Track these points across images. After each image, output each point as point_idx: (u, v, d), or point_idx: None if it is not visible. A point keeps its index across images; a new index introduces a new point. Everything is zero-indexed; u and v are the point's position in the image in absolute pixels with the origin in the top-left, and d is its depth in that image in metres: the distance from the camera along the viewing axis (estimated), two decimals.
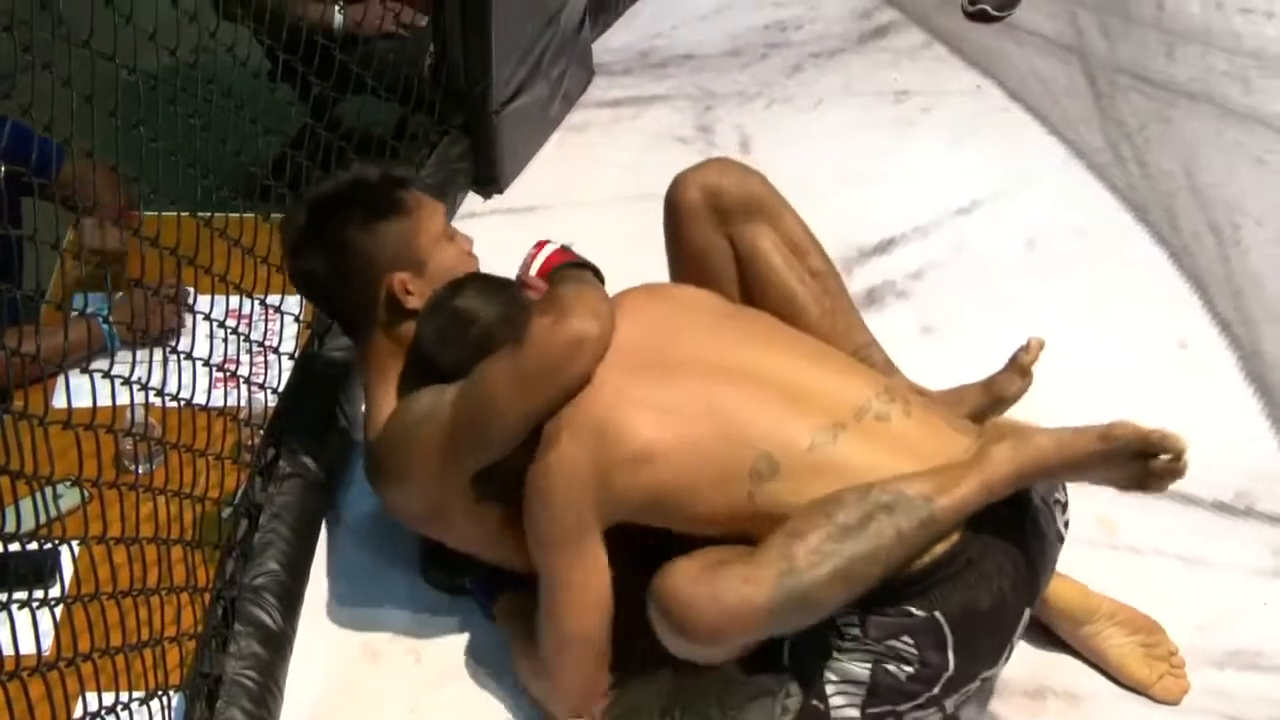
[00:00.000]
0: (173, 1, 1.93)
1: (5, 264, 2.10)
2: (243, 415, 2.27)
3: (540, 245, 2.10)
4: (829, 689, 1.77)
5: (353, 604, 2.15)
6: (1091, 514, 2.24)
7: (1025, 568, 1.80)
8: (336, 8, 2.89)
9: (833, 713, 1.77)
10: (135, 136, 1.95)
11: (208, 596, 2.03)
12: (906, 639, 1.74)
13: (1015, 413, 2.30)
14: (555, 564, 1.82)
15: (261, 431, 2.28)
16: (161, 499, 1.97)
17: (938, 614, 1.74)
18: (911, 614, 1.74)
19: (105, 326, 2.28)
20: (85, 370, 1.76)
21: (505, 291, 2.00)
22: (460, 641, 2.10)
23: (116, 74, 1.84)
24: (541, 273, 2.05)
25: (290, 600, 2.09)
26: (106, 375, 1.81)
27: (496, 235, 2.35)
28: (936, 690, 1.77)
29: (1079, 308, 2.63)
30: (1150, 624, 2.03)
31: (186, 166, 2.11)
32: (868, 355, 2.12)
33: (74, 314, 2.17)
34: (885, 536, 1.70)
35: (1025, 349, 2.08)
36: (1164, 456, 1.69)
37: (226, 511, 2.16)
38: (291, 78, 2.64)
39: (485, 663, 2.07)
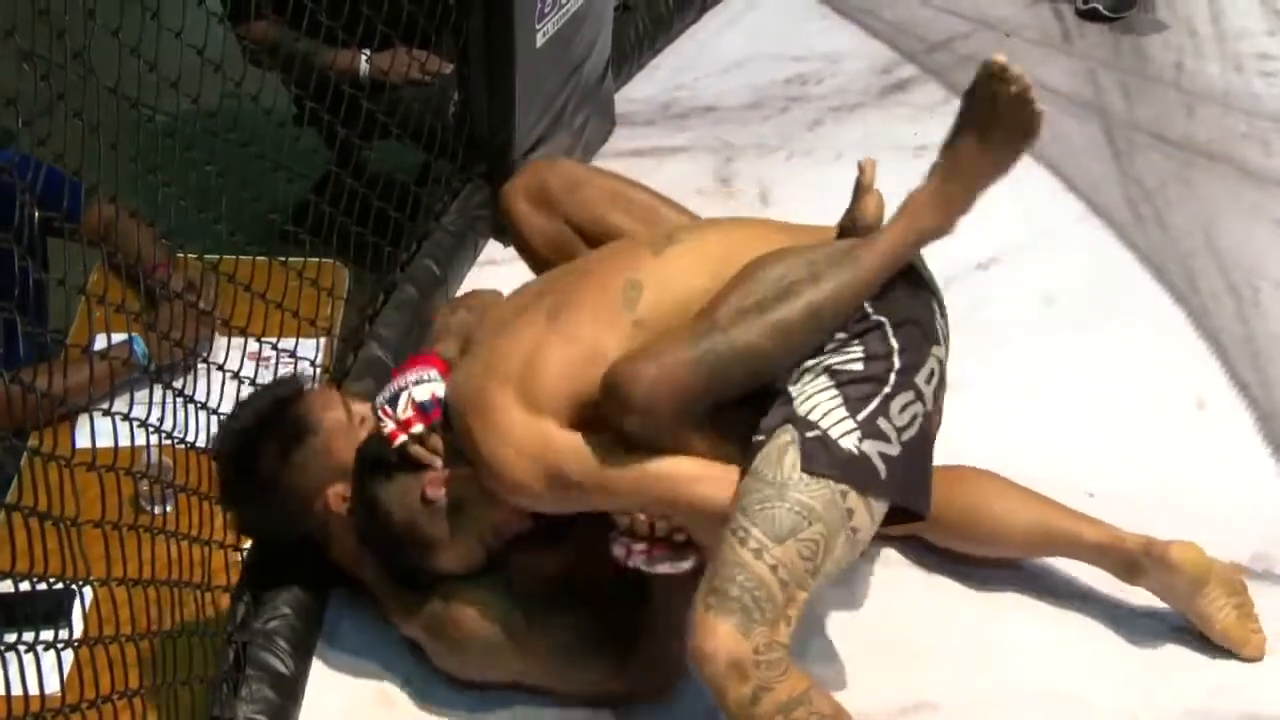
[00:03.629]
0: (198, 51, 1.95)
1: (34, 304, 2.12)
2: None
3: (403, 370, 2.01)
4: (812, 414, 1.78)
5: (364, 650, 2.14)
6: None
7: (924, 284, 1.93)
8: (363, 56, 2.93)
9: (829, 431, 1.77)
10: (159, 181, 1.98)
11: (220, 640, 2.03)
12: (850, 342, 1.81)
13: (1030, 468, 2.30)
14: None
15: None
16: (174, 541, 1.98)
17: (868, 312, 1.82)
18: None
19: (136, 344, 2.29)
20: (108, 413, 1.78)
21: (390, 465, 1.94)
22: (473, 690, 2.09)
23: (139, 120, 1.87)
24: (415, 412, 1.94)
25: (301, 645, 2.09)
26: (126, 418, 1.83)
27: (516, 282, 2.35)
28: (898, 364, 1.81)
29: (1096, 366, 2.63)
30: (1241, 584, 2.11)
31: (212, 212, 2.14)
32: None
33: (96, 350, 2.18)
34: (809, 294, 1.78)
35: (860, 171, 2.01)
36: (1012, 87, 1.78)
37: (238, 555, 2.17)
38: (317, 124, 2.67)
39: (498, 710, 2.06)
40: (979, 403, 2.49)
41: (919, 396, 1.83)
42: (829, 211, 3.03)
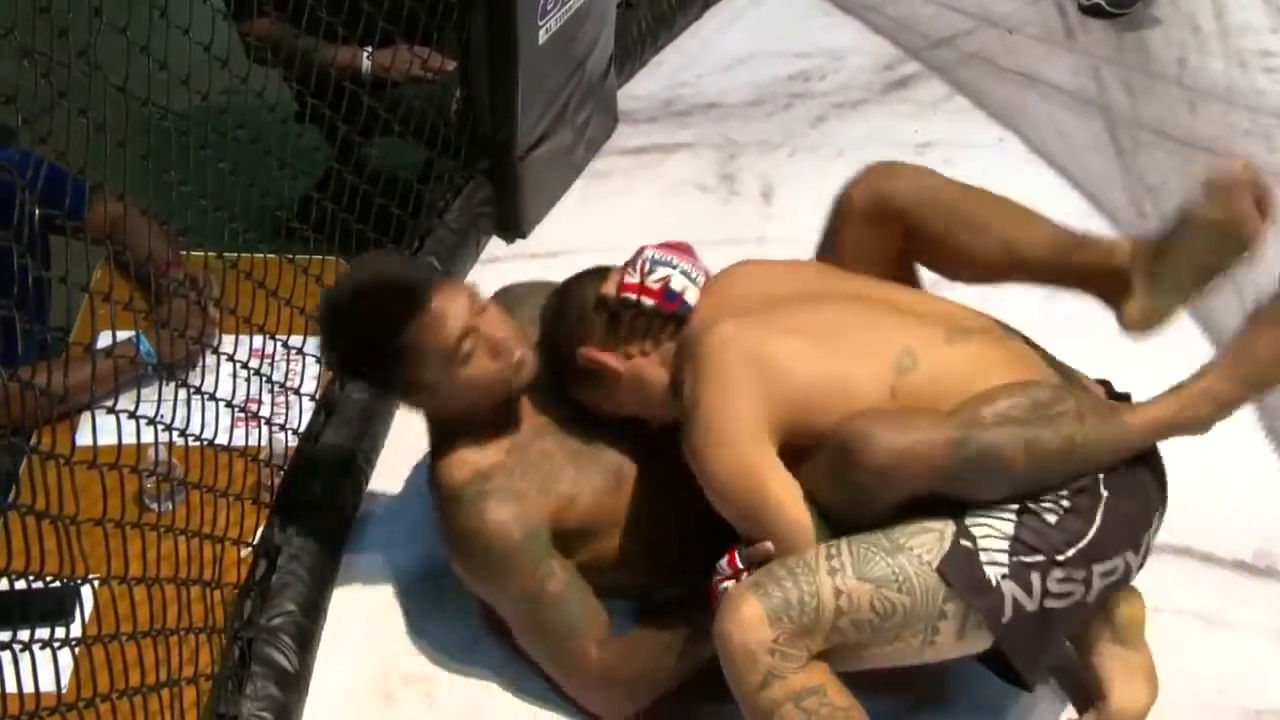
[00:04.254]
0: (205, 47, 1.96)
1: (35, 302, 2.12)
2: (263, 455, 2.27)
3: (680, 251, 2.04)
4: (977, 530, 1.78)
5: (368, 647, 2.15)
6: None
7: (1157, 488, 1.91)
8: (365, 53, 2.92)
9: (981, 554, 1.76)
10: (164, 178, 1.98)
11: (224, 637, 2.04)
12: (1060, 495, 1.80)
13: None
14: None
15: (281, 472, 2.29)
16: (180, 538, 1.98)
17: (1099, 479, 1.81)
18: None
19: (141, 342, 2.30)
20: (111, 410, 1.78)
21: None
22: (475, 685, 2.09)
23: (150, 118, 1.87)
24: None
25: (306, 642, 2.09)
26: (132, 415, 1.83)
27: (519, 279, 2.36)
28: (1080, 546, 1.78)
29: (1098, 365, 2.61)
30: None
31: (215, 209, 2.14)
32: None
33: (100, 348, 2.19)
34: (1071, 429, 1.78)
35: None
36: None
37: (245, 552, 2.17)
38: (319, 121, 2.67)
39: (500, 706, 2.06)
40: None
41: (1087, 585, 1.81)
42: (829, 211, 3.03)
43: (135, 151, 1.82)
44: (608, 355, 1.98)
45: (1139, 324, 1.91)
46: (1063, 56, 3.52)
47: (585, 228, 2.99)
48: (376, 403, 2.44)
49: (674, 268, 1.97)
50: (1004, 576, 1.76)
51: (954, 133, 3.25)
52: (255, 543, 2.18)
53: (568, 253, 2.90)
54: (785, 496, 1.81)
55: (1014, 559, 1.76)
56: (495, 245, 2.96)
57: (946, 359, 1.84)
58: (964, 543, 1.76)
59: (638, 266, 1.97)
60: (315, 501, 2.24)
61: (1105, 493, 1.81)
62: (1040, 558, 1.77)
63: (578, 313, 2.02)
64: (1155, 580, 2.22)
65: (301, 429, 2.38)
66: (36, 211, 1.57)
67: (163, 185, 2.04)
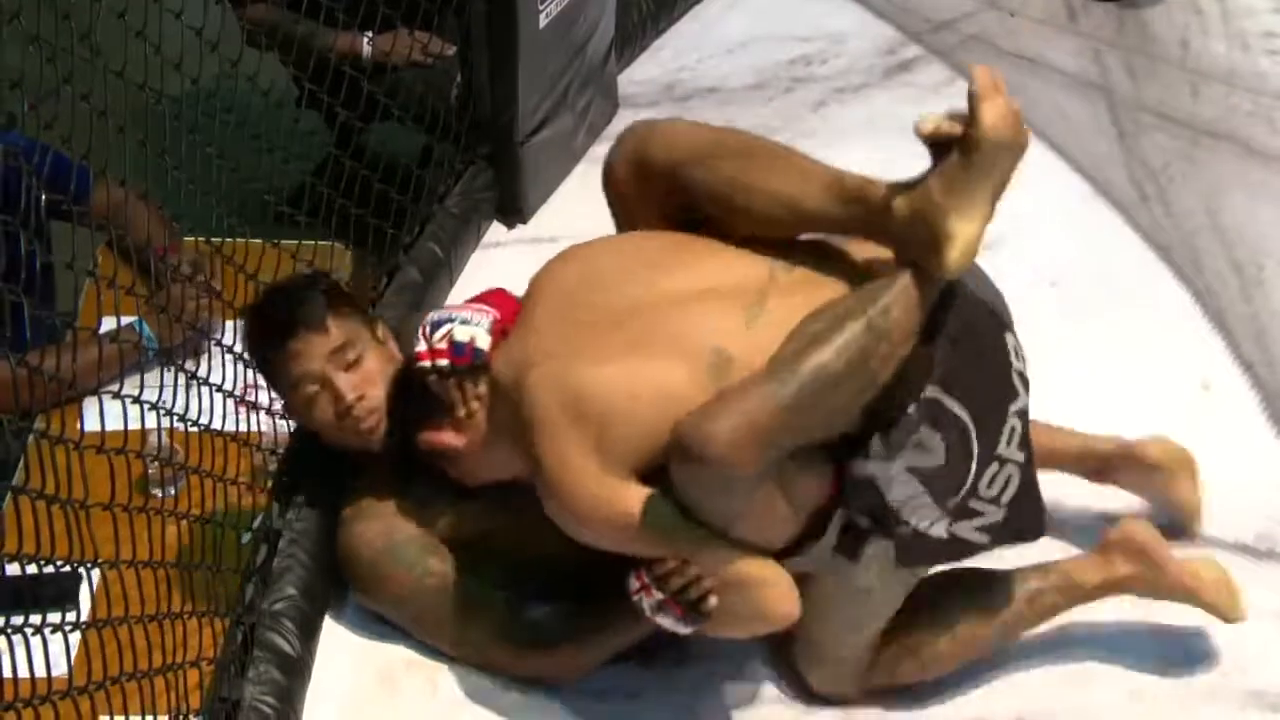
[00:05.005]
0: (197, 31, 1.95)
1: (42, 288, 2.12)
2: (263, 441, 2.27)
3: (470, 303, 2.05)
4: (902, 512, 1.80)
5: (370, 631, 2.15)
6: None
7: (980, 302, 1.87)
8: (365, 37, 2.92)
9: (918, 526, 1.81)
10: (162, 164, 1.97)
11: (227, 621, 2.04)
12: (921, 431, 1.79)
13: None
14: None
15: (281, 458, 2.29)
16: (183, 523, 1.98)
17: (927, 392, 1.79)
18: (907, 410, 1.79)
19: (143, 328, 2.30)
20: (117, 395, 1.78)
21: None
22: (477, 671, 2.10)
23: (146, 103, 1.87)
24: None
25: (308, 626, 2.10)
26: (136, 400, 1.83)
27: (519, 265, 2.34)
28: (977, 447, 1.81)
29: (1101, 348, 2.63)
30: None
31: (213, 195, 2.13)
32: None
33: (103, 332, 2.19)
34: (864, 310, 1.74)
35: (973, 79, 1.75)
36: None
37: (246, 537, 2.17)
38: (318, 105, 2.66)
39: (502, 693, 2.07)
40: None
41: (1003, 461, 1.85)
42: None
43: (134, 137, 1.82)
44: (444, 434, 1.96)
45: (963, 261, 1.78)
46: (1064, 39, 3.51)
47: (586, 213, 2.95)
48: None
49: (452, 321, 1.95)
50: (950, 525, 1.84)
51: None
52: (256, 528, 2.18)
53: (568, 238, 2.87)
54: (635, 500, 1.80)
55: (947, 506, 1.83)
56: (496, 230, 2.95)
57: (754, 341, 1.79)
58: (901, 530, 1.82)
59: (421, 334, 1.96)
60: (315, 487, 2.24)
61: (954, 403, 1.81)
62: (964, 489, 1.83)
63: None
64: None
65: None
66: (43, 197, 1.57)
67: (161, 171, 2.04)
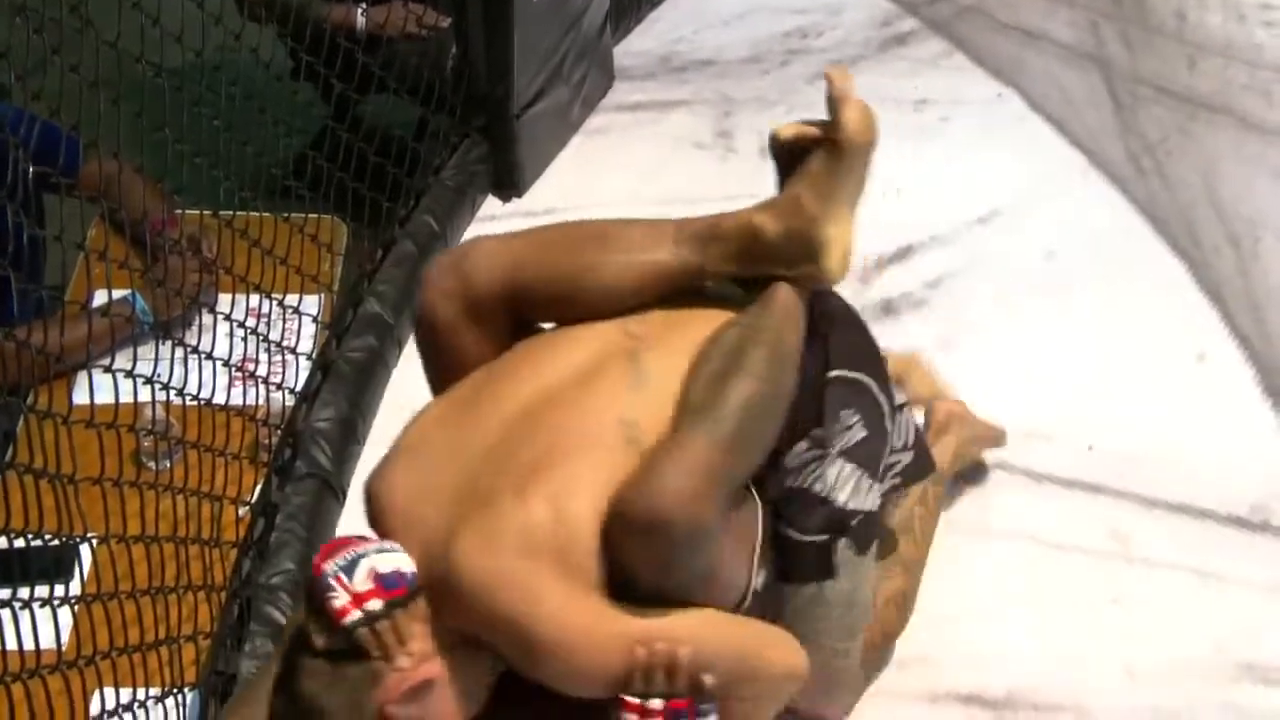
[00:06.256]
0: (198, 4, 1.94)
1: (30, 260, 2.12)
2: (260, 415, 2.27)
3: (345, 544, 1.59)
4: (849, 503, 1.77)
5: None
6: (1105, 527, 2.24)
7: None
8: (360, 9, 2.90)
9: (863, 507, 1.79)
10: (158, 136, 1.96)
11: (223, 595, 2.04)
12: (841, 415, 1.77)
13: (1030, 421, 2.31)
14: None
15: (279, 431, 2.29)
16: (179, 497, 1.98)
17: (830, 375, 1.78)
18: (824, 401, 1.77)
19: (137, 301, 2.29)
20: (108, 370, 1.78)
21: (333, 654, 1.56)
22: None
23: (143, 74, 1.86)
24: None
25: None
26: (129, 375, 1.83)
27: None
28: (885, 407, 1.82)
29: (1097, 320, 2.63)
30: None
31: (210, 167, 2.13)
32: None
33: (95, 307, 2.18)
34: (759, 331, 1.68)
35: (829, 81, 1.76)
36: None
37: (243, 511, 2.18)
38: (313, 78, 2.65)
39: None
40: (979, 357, 2.50)
41: (900, 407, 1.87)
42: None
43: (129, 109, 1.81)
44: (396, 693, 1.54)
45: (846, 264, 1.74)
46: (1061, 11, 3.49)
47: (582, 185, 2.98)
48: (373, 363, 2.44)
49: (363, 555, 1.55)
50: (880, 486, 1.83)
51: (952, 89, 3.23)
52: (253, 502, 2.19)
53: (564, 210, 2.89)
54: (645, 623, 1.59)
55: (878, 473, 1.82)
56: (491, 204, 2.95)
57: (650, 401, 1.65)
58: (855, 523, 1.79)
59: (333, 584, 1.52)
60: (312, 461, 2.24)
61: (858, 373, 1.80)
62: (885, 452, 1.84)
63: (348, 690, 1.54)
64: (1150, 536, 2.24)
65: (298, 388, 2.38)
66: (30, 169, 1.56)
67: (156, 143, 2.03)
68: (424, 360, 1.84)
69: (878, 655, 2.02)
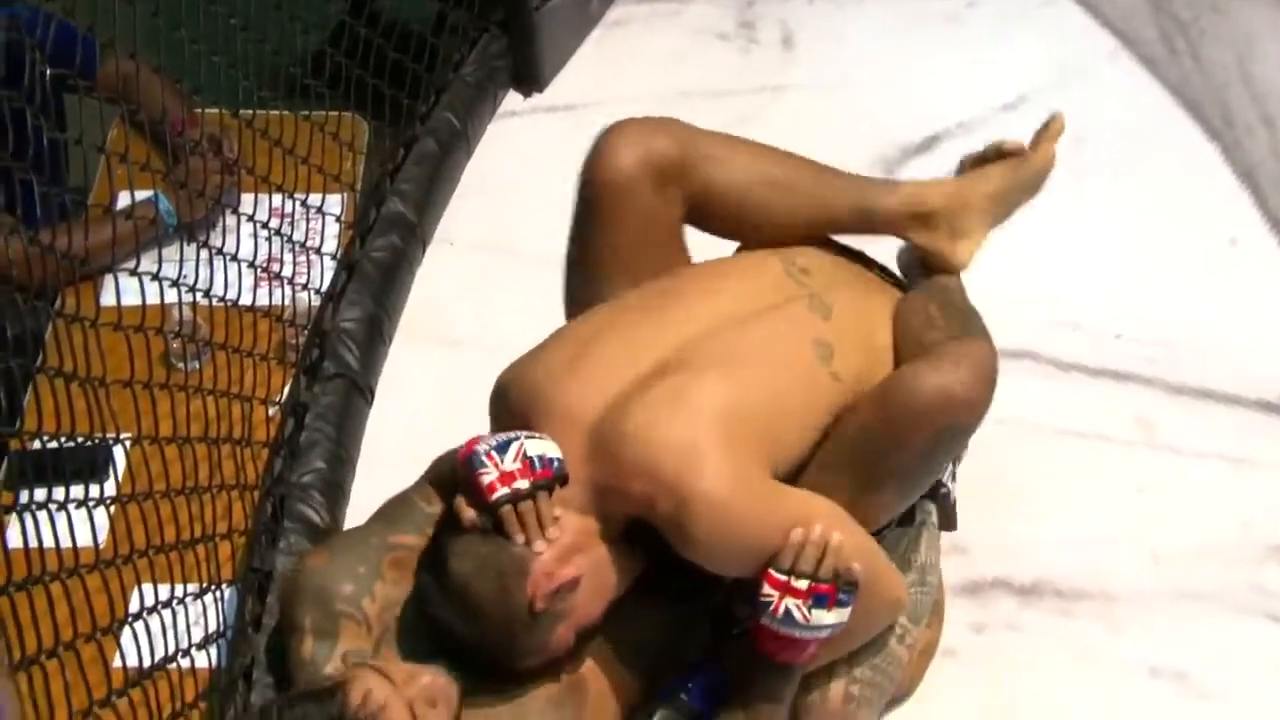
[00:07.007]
0: None
1: (51, 163, 2.11)
2: (287, 315, 2.28)
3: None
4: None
5: None
6: (1130, 414, 2.24)
7: None
8: None
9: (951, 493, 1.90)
10: (175, 35, 1.95)
11: (256, 494, 2.07)
12: None
13: (1058, 310, 2.29)
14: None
15: (305, 332, 2.30)
16: (209, 398, 2.00)
17: None
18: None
19: (161, 202, 2.29)
20: (134, 273, 1.78)
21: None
22: None
23: None
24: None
25: (335, 498, 2.12)
26: (155, 278, 1.83)
27: (537, 134, 2.33)
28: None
29: (1129, 205, 2.60)
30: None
31: (227, 66, 2.11)
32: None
33: (120, 209, 2.18)
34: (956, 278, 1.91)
35: (1049, 124, 1.91)
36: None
37: (273, 410, 2.19)
38: None
39: None
40: (1005, 246, 2.47)
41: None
42: (853, 55, 2.98)
43: (144, 8, 1.79)
44: (545, 589, 1.58)
45: (972, 262, 1.90)
46: None
47: (603, 79, 2.94)
48: (397, 262, 2.44)
49: (516, 438, 1.61)
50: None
51: None
52: (282, 401, 2.20)
53: (585, 105, 2.86)
54: (807, 506, 1.65)
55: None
56: (512, 99, 2.91)
57: (840, 328, 1.75)
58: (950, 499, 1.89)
59: (485, 461, 1.59)
60: (339, 361, 2.25)
61: None
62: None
63: (496, 576, 1.59)
64: (1177, 422, 2.23)
65: (323, 288, 2.38)
66: (48, 70, 1.55)
67: (174, 43, 2.01)
68: (579, 221, 1.83)
69: (899, 691, 1.91)
